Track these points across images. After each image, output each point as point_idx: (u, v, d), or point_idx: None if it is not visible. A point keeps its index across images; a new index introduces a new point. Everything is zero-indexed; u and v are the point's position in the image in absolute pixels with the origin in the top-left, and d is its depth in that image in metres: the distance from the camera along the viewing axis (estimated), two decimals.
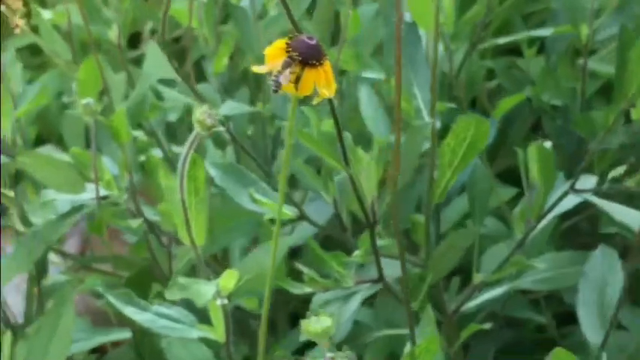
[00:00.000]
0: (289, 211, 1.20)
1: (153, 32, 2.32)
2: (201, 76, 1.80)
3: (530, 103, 1.82)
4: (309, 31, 1.77)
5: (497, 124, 1.49)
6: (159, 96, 1.58)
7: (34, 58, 2.28)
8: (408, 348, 1.08)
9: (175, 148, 1.62)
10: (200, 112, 0.92)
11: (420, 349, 1.01)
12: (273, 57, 0.82)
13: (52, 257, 1.64)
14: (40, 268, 1.54)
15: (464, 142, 1.20)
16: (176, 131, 1.78)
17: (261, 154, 1.63)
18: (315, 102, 0.82)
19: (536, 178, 1.33)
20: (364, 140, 1.82)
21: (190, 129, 2.01)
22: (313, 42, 0.82)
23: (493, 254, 1.52)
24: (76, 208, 1.39)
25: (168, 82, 1.52)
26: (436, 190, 1.25)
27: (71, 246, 1.92)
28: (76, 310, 1.27)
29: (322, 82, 0.82)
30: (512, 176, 1.78)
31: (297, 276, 1.19)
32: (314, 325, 0.91)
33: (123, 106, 1.34)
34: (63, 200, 1.40)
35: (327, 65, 0.82)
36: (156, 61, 2.07)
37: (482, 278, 1.32)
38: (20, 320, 1.45)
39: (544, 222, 1.32)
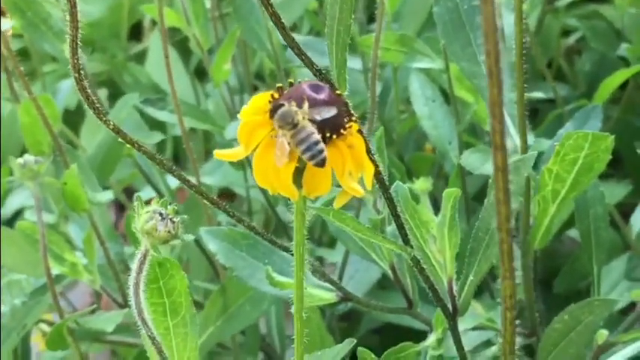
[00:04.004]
0: (326, 292, 0.82)
1: (155, 22, 1.97)
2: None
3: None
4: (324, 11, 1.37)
5: (602, 110, 1.08)
6: (147, 119, 1.22)
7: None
8: None
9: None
10: (147, 217, 0.53)
11: None
12: (253, 128, 0.44)
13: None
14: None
15: (574, 165, 0.82)
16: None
17: None
18: (337, 204, 0.44)
19: None
20: (416, 145, 1.44)
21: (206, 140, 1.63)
22: (322, 96, 0.44)
23: (609, 276, 1.15)
24: (43, 289, 1.04)
25: (154, 102, 1.15)
26: (535, 233, 0.87)
27: (79, 294, 1.59)
28: None
29: (347, 165, 0.43)
30: None
31: None
32: None
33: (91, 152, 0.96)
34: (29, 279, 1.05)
35: (354, 134, 0.44)
36: (160, 59, 1.70)
37: (610, 339, 0.93)
38: None
39: None
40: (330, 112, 0.45)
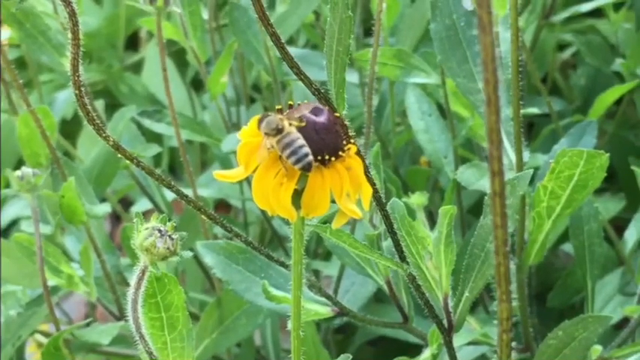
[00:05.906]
0: (322, 307, 0.83)
1: (151, 33, 1.97)
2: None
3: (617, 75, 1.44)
4: (323, 22, 1.38)
5: (597, 126, 1.09)
6: (144, 131, 1.22)
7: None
8: None
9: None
10: (146, 234, 0.54)
11: None
12: (252, 150, 0.45)
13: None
14: None
15: (569, 181, 0.82)
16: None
17: None
18: (335, 225, 0.45)
19: None
20: (412, 158, 1.44)
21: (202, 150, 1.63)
22: (322, 119, 0.44)
23: (603, 291, 1.15)
24: (39, 300, 1.05)
25: (151, 114, 1.15)
26: (530, 249, 0.87)
27: (74, 304, 1.59)
28: None
29: (345, 187, 0.44)
30: None
31: None
32: None
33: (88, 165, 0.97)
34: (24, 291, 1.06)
35: (352, 156, 0.44)
36: (157, 69, 1.70)
37: (604, 355, 0.94)
38: None
39: None
40: (319, 117, 0.46)
